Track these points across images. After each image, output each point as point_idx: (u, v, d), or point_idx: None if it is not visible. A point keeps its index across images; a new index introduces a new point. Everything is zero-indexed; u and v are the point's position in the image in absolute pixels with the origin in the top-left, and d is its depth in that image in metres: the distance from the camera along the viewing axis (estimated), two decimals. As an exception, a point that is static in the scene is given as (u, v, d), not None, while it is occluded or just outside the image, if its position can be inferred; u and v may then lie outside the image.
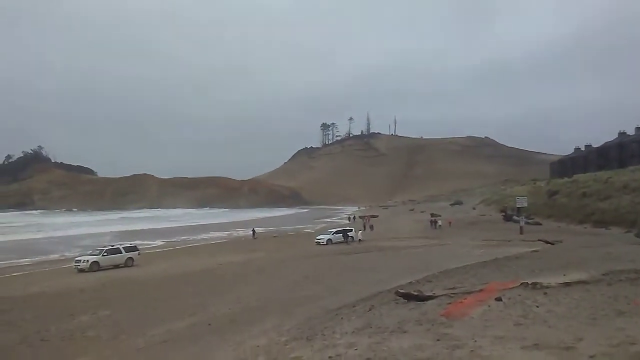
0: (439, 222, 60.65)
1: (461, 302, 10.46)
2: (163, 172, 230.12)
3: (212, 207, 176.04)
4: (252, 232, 59.86)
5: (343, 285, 20.49)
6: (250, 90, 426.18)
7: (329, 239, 45.20)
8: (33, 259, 42.49)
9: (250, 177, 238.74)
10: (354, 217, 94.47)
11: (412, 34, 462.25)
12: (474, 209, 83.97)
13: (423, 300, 11.44)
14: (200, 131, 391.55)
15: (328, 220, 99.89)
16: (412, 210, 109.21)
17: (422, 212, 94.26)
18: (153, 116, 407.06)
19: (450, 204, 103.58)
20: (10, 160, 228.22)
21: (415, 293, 12.15)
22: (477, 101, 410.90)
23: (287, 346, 10.11)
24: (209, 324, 15.20)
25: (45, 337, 14.99)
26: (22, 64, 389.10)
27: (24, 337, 15.01)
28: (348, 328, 10.19)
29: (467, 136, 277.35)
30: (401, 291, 12.53)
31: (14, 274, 33.06)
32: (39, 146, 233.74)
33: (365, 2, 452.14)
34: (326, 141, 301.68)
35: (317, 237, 46.96)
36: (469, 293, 11.51)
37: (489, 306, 9.65)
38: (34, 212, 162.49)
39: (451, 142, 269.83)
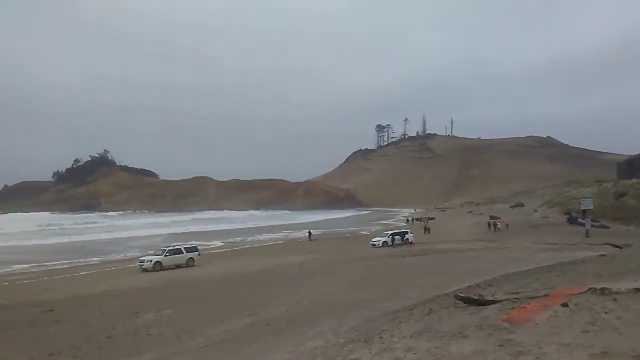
0: (498, 225, 58.98)
1: (525, 307, 10.10)
2: (221, 174, 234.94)
3: (267, 209, 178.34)
4: (308, 234, 60.25)
5: (400, 288, 20.28)
6: (306, 93, 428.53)
7: (384, 241, 44.87)
8: (99, 259, 44.48)
9: (305, 179, 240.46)
10: (412, 219, 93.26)
11: (471, 33, 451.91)
12: (535, 211, 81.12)
13: (484, 305, 11.13)
14: (257, 134, 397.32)
15: (383, 222, 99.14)
16: (471, 212, 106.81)
17: (480, 214, 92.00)
18: (212, 120, 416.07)
19: (511, 206, 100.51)
20: (78, 164, 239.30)
21: (476, 297, 11.83)
22: (539, 101, 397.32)
23: (345, 348, 10.07)
24: (268, 324, 15.38)
25: (111, 335, 15.61)
26: (88, 73, 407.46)
27: (92, 334, 15.67)
28: (406, 331, 10.05)
29: (528, 136, 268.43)
30: (461, 295, 12.24)
31: (82, 273, 34.69)
32: (105, 150, 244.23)
33: (423, 2, 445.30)
34: (381, 143, 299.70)
35: (373, 240, 46.71)
36: (533, 298, 11.11)
37: (555, 312, 9.28)
38: (101, 213, 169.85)
39: (511, 142, 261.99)
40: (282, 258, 37.73)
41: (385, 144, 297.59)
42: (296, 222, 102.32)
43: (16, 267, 39.33)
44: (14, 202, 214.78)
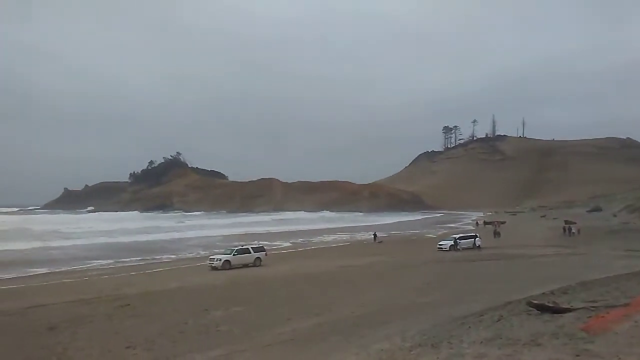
0: (573, 230, 56.32)
1: (603, 316, 9.60)
2: (287, 176, 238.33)
3: (332, 210, 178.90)
4: (373, 236, 59.99)
5: (468, 293, 19.80)
6: (373, 96, 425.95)
7: (451, 245, 43.92)
8: (173, 257, 46.25)
9: (370, 182, 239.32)
10: (484, 222, 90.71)
11: (548, 32, 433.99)
12: (615, 216, 76.80)
13: (559, 313, 10.67)
14: (323, 136, 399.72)
15: (451, 225, 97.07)
16: (544, 216, 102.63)
17: (554, 218, 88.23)
18: (279, 123, 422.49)
19: (587, 211, 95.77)
20: (153, 166, 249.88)
21: (550, 304, 11.35)
22: (619, 100, 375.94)
23: (412, 352, 9.94)
24: (334, 325, 15.43)
25: (183, 330, 16.15)
26: (167, 79, 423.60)
27: (165, 329, 16.28)
28: (476, 337, 9.79)
29: (607, 137, 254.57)
30: (534, 302, 11.78)
31: (156, 270, 36.17)
32: (178, 153, 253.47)
33: (492, 2, 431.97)
34: (448, 145, 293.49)
35: (440, 243, 45.82)
36: (612, 307, 10.54)
37: (636, 322, 8.76)
38: (174, 213, 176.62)
39: (588, 143, 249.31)
40: (348, 260, 37.74)
41: (452, 145, 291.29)
42: (361, 224, 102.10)
43: (95, 263, 41.58)
44: (93, 202, 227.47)
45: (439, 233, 72.56)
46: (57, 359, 13.18)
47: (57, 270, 37.27)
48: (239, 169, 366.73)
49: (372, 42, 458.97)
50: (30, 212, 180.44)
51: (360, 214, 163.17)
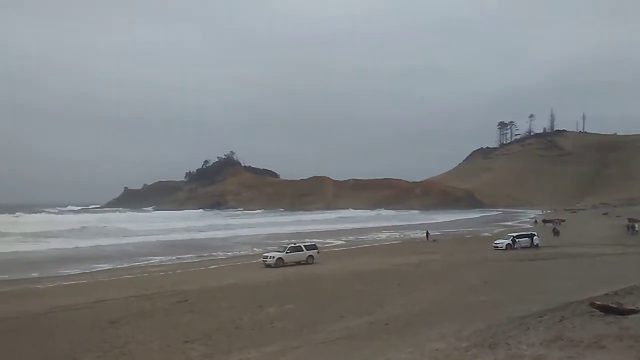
0: (637, 228, 53.75)
1: (672, 319, 9.15)
2: (339, 174, 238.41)
3: (384, 208, 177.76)
4: (425, 234, 59.28)
5: (526, 293, 19.27)
6: (426, 93, 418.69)
7: (508, 244, 42.78)
8: (227, 254, 47.30)
9: (422, 179, 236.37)
10: (543, 220, 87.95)
11: (610, 23, 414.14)
12: (683, 213, 72.81)
13: (624, 314, 10.24)
14: (375, 134, 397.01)
15: (507, 223, 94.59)
16: (606, 214, 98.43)
17: (617, 216, 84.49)
18: (330, 121, 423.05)
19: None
20: (207, 165, 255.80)
21: (614, 305, 10.91)
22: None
23: (468, 352, 9.78)
24: (386, 324, 15.36)
25: (238, 326, 16.47)
26: (222, 78, 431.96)
27: (221, 325, 16.65)
28: (535, 339, 9.53)
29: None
30: (597, 303, 11.35)
31: (211, 267, 37.08)
32: (231, 152, 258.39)
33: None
34: (504, 140, 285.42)
35: (495, 242, 44.73)
36: (682, 309, 10.02)
37: None
38: (228, 211, 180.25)
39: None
40: (400, 258, 37.43)
41: (508, 141, 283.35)
42: (413, 222, 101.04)
43: (154, 259, 43.00)
44: (151, 200, 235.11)
45: (495, 231, 70.90)
46: (119, 352, 13.70)
47: (120, 266, 38.82)
48: (291, 168, 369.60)
49: (425, 36, 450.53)
50: (94, 210, 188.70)
51: (412, 211, 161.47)
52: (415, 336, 13.15)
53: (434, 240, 56.27)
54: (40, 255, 45.72)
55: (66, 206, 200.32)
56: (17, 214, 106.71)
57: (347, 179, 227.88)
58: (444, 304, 18.36)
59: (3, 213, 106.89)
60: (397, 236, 68.26)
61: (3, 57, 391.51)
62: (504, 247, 42.35)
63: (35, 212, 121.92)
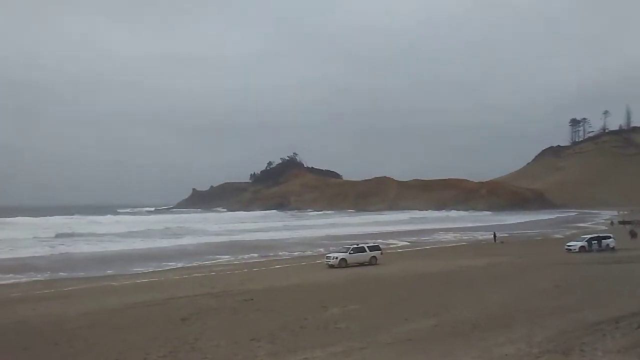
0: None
1: None
2: (402, 174, 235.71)
3: (449, 209, 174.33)
4: (493, 236, 57.70)
5: (601, 298, 18.38)
6: (492, 88, 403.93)
7: (582, 246, 40.91)
8: (291, 254, 47.97)
9: (489, 179, 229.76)
10: (619, 222, 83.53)
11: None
12: None
13: None
14: (438, 132, 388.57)
15: (580, 225, 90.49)
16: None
17: None
18: (393, 121, 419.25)
19: None
20: (271, 167, 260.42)
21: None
22: None
23: (540, 358, 9.46)
24: (452, 327, 15.07)
25: (303, 325, 16.63)
26: (285, 80, 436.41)
27: (286, 324, 16.86)
28: (612, 345, 9.10)
29: None
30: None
31: (276, 267, 37.73)
32: (294, 153, 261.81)
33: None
34: (576, 138, 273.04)
35: (568, 244, 42.86)
36: None
37: None
38: (292, 212, 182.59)
39: None
40: (466, 260, 36.62)
41: (580, 139, 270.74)
42: (479, 223, 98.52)
43: (221, 259, 44.24)
44: (218, 201, 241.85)
45: (567, 233, 68.03)
46: (190, 348, 14.17)
47: (189, 265, 40.18)
48: (354, 168, 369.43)
49: (494, 30, 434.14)
50: (169, 211, 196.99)
51: (482, 213, 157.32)
52: (483, 340, 12.84)
53: (502, 242, 54.70)
54: (124, 254, 48.29)
55: (138, 207, 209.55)
56: (91, 217, 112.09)
57: (410, 180, 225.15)
58: (513, 308, 17.79)
59: (84, 215, 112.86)
60: (463, 238, 66.82)
61: (102, 63, 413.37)
62: (577, 250, 40.55)
63: (111, 214, 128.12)
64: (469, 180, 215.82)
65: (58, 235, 64.62)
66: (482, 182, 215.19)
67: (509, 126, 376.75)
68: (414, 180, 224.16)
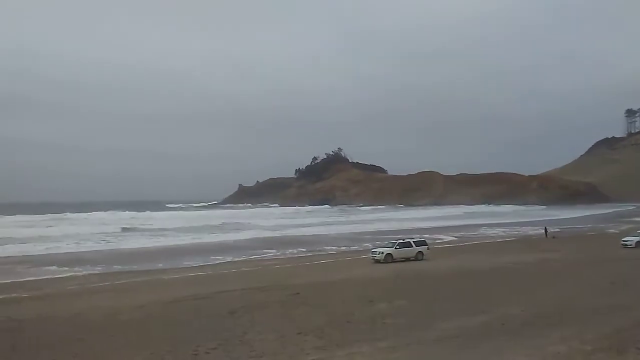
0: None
1: None
2: (449, 168, 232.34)
3: (497, 203, 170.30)
4: (544, 231, 56.15)
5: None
6: (543, 80, 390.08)
7: (638, 242, 39.31)
8: (336, 249, 48.12)
9: (539, 173, 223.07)
10: None
11: None
12: None
13: None
14: (485, 125, 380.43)
15: (637, 219, 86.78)
16: None
17: None
18: (441, 114, 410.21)
19: None
20: (316, 162, 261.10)
21: None
22: None
23: (593, 357, 9.21)
24: (502, 324, 14.82)
25: (350, 320, 16.69)
26: (331, 74, 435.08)
27: (333, 318, 16.96)
28: (672, 346, 8.74)
29: None
30: None
31: (321, 262, 37.89)
32: (339, 148, 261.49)
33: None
34: (632, 130, 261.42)
35: (624, 239, 41.23)
36: None
37: None
38: (337, 207, 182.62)
39: None
40: (515, 255, 35.82)
41: (637, 131, 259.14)
42: (529, 218, 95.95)
43: (268, 253, 44.79)
44: (263, 197, 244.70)
45: (623, 228, 65.35)
46: (239, 341, 14.45)
47: (237, 259, 40.88)
48: (399, 163, 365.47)
49: (550, 22, 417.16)
50: (216, 206, 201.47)
51: (533, 207, 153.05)
52: (534, 338, 12.58)
53: (553, 237, 53.15)
54: (176, 248, 49.69)
55: (186, 203, 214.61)
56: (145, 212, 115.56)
57: (456, 174, 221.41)
58: (565, 305, 17.33)
59: (142, 210, 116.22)
60: (512, 233, 65.28)
61: (154, 64, 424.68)
62: (634, 245, 39.00)
63: (162, 210, 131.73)
64: (518, 174, 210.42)
65: (124, 230, 67.90)
66: (532, 176, 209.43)
67: (560, 118, 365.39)
68: (461, 174, 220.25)
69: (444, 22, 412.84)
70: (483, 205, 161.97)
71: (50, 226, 70.95)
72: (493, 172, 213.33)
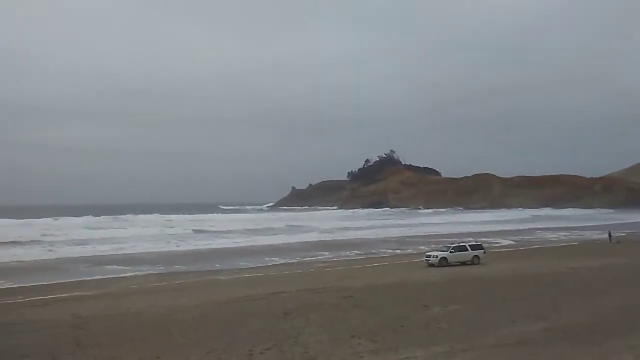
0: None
1: None
2: (506, 170, 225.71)
3: (556, 207, 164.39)
4: (608, 235, 53.74)
5: None
6: (613, 71, 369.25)
7: None
8: (389, 252, 47.79)
9: (602, 175, 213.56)
10: None
11: None
12: None
13: None
14: (545, 126, 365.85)
15: None
16: None
17: None
18: (498, 114, 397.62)
19: None
20: (368, 165, 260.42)
21: None
22: None
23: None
24: (564, 331, 14.27)
25: (404, 324, 16.47)
26: (383, 75, 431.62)
27: (386, 322, 16.78)
28: None
29: None
30: None
31: (374, 265, 37.70)
32: (391, 150, 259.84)
33: None
34: None
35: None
36: None
37: None
38: (388, 209, 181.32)
39: None
40: (577, 260, 34.42)
41: None
42: (592, 222, 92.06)
43: (321, 256, 44.99)
44: (316, 199, 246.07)
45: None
46: (293, 342, 14.54)
47: (291, 261, 41.29)
48: (453, 165, 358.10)
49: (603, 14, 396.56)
50: (272, 209, 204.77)
51: (591, 210, 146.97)
52: (599, 346, 12.05)
53: (618, 242, 50.83)
54: (233, 249, 50.87)
55: (241, 205, 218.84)
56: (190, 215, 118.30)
57: (514, 176, 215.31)
58: (632, 312, 16.52)
59: (195, 212, 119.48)
60: (573, 237, 62.89)
61: (207, 67, 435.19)
62: None
63: (216, 212, 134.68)
64: (579, 176, 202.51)
65: (195, 232, 70.57)
66: (595, 178, 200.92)
67: (622, 116, 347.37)
68: (518, 176, 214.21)
69: (503, 20, 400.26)
70: (543, 209, 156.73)
71: (123, 227, 74.30)
72: (552, 174, 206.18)
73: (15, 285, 29.75)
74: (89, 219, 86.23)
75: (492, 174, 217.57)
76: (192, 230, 71.89)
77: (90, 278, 32.81)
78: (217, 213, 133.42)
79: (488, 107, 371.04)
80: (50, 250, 47.60)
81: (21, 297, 25.36)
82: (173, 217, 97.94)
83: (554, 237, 62.64)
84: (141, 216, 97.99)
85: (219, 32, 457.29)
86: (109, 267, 37.81)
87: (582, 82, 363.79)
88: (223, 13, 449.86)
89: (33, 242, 53.37)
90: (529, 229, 77.60)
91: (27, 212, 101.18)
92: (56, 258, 42.97)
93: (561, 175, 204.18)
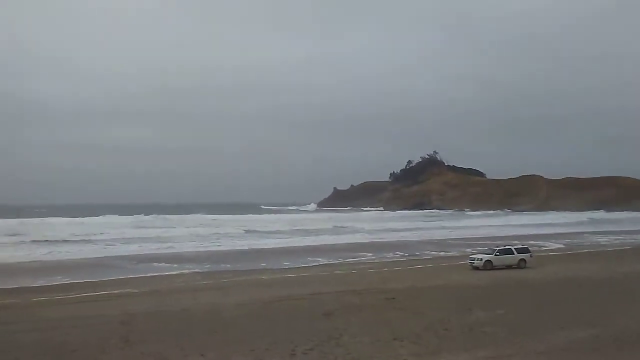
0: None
1: None
2: (554, 172, 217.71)
3: (608, 209, 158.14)
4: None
5: None
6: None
7: None
8: (432, 254, 47.20)
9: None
10: None
11: None
12: None
13: None
14: (598, 126, 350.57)
15: None
16: None
17: None
18: (544, 114, 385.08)
19: None
20: (411, 165, 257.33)
21: None
22: None
23: None
24: (616, 338, 13.77)
25: (447, 327, 16.26)
26: (428, 75, 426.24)
27: (429, 325, 16.62)
28: None
29: None
30: None
31: (417, 267, 37.33)
32: (434, 151, 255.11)
33: None
34: None
35: None
36: None
37: None
38: (431, 211, 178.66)
39: None
40: (630, 265, 33.22)
41: None
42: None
43: (362, 257, 44.82)
44: (358, 200, 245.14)
45: None
46: (335, 343, 14.56)
47: (333, 262, 41.30)
48: (498, 167, 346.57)
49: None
50: (315, 210, 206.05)
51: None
52: (653, 355, 11.57)
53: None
54: (277, 249, 51.21)
55: (282, 205, 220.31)
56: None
57: (562, 178, 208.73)
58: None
59: (237, 213, 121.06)
60: (627, 241, 60.47)
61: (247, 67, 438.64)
62: None
63: (256, 212, 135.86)
64: (632, 178, 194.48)
65: (246, 232, 71.50)
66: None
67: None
68: (566, 178, 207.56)
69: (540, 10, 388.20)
70: (593, 212, 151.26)
71: (173, 227, 75.82)
72: (604, 175, 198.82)
73: (68, 282, 30.89)
74: (139, 218, 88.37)
75: (539, 176, 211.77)
76: (244, 230, 72.81)
77: (138, 275, 33.75)
78: (262, 214, 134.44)
79: (534, 106, 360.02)
80: (104, 248, 49.44)
81: (73, 293, 26.33)
82: (223, 217, 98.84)
83: (605, 241, 60.39)
84: (189, 216, 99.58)
85: (266, 33, 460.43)
86: (156, 264, 38.79)
87: (619, 67, 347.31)
88: (267, 13, 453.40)
89: (84, 240, 55.25)
90: (579, 232, 75.07)
91: (76, 211, 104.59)
92: (106, 256, 44.35)
93: (614, 176, 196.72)
